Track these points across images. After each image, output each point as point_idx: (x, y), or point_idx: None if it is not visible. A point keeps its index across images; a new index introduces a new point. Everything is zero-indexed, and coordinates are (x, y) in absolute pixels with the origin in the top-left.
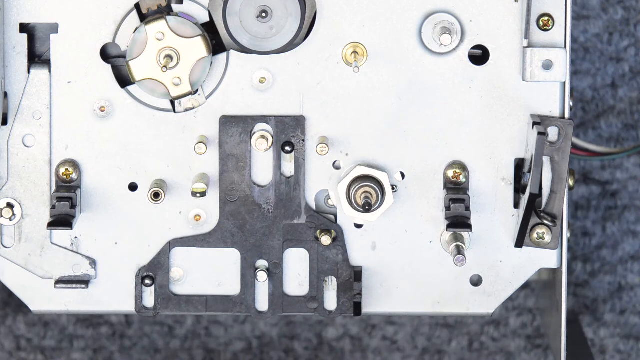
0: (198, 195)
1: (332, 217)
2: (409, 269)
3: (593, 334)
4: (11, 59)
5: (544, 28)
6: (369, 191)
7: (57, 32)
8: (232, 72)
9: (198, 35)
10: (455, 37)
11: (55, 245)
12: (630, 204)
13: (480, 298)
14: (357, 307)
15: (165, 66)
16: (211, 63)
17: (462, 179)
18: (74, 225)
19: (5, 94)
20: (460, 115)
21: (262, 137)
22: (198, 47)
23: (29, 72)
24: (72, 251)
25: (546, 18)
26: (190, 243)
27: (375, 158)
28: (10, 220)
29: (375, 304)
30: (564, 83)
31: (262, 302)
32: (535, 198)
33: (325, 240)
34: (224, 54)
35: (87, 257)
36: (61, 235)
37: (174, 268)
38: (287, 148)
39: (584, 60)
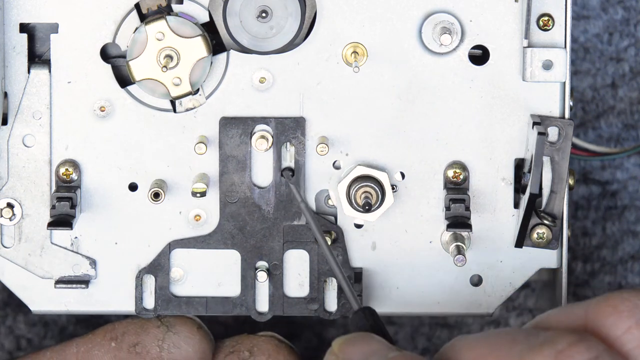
0: (198, 195)
1: (332, 217)
2: (409, 269)
3: None
4: (11, 59)
5: (544, 28)
6: (369, 191)
7: (57, 32)
8: (232, 72)
9: (198, 35)
10: (455, 37)
11: (55, 245)
12: (630, 204)
13: (480, 298)
14: None
15: (165, 66)
16: (211, 63)
17: (462, 179)
18: (74, 225)
19: (5, 94)
20: (460, 115)
21: (262, 137)
22: (198, 47)
23: (29, 72)
24: (72, 251)
25: (546, 18)
26: (191, 244)
27: (375, 158)
28: (10, 220)
29: (375, 304)
30: (564, 83)
31: (262, 303)
32: (535, 198)
33: None
34: (224, 54)
35: (87, 257)
36: (61, 235)
37: (174, 268)
38: (288, 172)
39: (584, 60)
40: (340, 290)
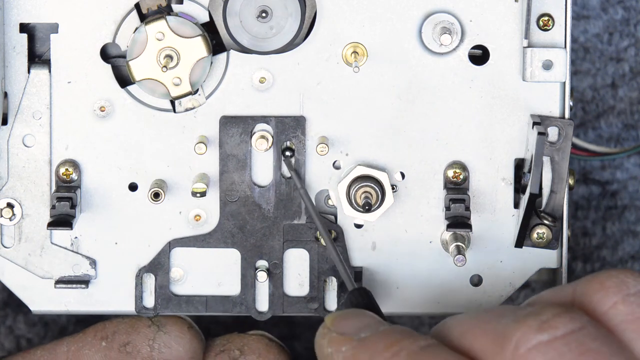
0: (198, 195)
1: (332, 217)
2: (409, 269)
3: None
4: (11, 59)
5: (544, 28)
6: (369, 191)
7: (57, 32)
8: (232, 72)
9: (198, 35)
10: (455, 37)
11: (55, 245)
12: (630, 204)
13: (480, 298)
14: None
15: (165, 66)
16: (211, 63)
17: (462, 179)
18: (74, 225)
19: (5, 94)
20: (460, 115)
21: (262, 137)
22: (198, 47)
23: (29, 72)
24: (72, 251)
25: (546, 18)
26: (191, 243)
27: (375, 158)
28: (10, 220)
29: None
30: (564, 83)
31: (262, 303)
32: (535, 198)
33: None
34: (224, 54)
35: (87, 257)
36: (61, 235)
37: (174, 268)
38: (287, 153)
39: (584, 60)
40: (340, 289)
